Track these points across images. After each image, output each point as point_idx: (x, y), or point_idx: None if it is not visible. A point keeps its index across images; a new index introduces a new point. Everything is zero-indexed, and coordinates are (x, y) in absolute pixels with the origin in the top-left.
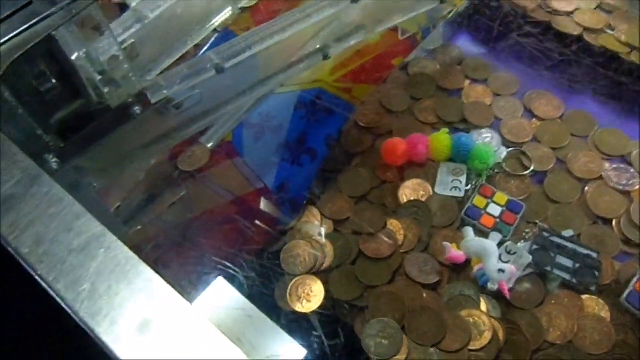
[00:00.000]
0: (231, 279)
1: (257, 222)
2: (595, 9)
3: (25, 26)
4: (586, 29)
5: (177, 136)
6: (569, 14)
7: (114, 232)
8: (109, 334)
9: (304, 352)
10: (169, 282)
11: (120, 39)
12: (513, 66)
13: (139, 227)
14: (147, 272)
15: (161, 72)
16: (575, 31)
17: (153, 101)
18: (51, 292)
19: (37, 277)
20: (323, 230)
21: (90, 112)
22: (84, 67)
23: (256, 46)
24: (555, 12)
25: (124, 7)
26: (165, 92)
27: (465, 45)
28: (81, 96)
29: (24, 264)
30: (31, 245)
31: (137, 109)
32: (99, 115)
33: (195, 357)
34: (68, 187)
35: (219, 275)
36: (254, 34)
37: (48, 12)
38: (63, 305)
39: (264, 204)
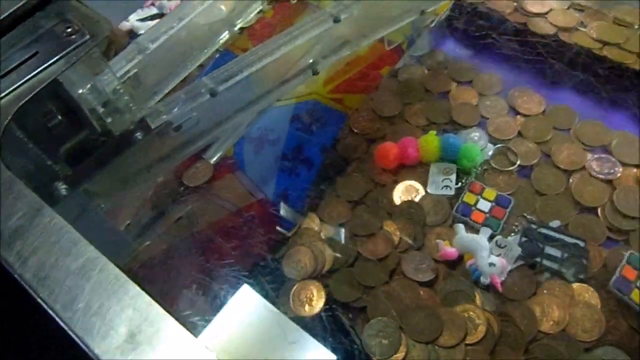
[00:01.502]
0: (236, 287)
1: (259, 230)
2: (567, 8)
3: (32, 74)
4: (560, 28)
5: (178, 156)
6: (543, 15)
7: (123, 248)
8: (101, 347)
9: (333, 357)
10: (171, 293)
11: (123, 70)
12: (496, 67)
13: (148, 243)
14: (134, 289)
15: (165, 95)
16: (551, 31)
17: (153, 127)
18: (50, 312)
19: (39, 300)
20: (342, 232)
21: (95, 140)
22: (88, 102)
23: (247, 69)
24: (531, 14)
25: (133, 35)
26: (164, 117)
27: (450, 50)
28: (85, 127)
29: (27, 289)
30: (34, 271)
31: (138, 135)
32: (103, 142)
33: None
34: (78, 210)
35: (235, 283)
36: (244, 58)
37: (52, 60)
38: (61, 323)
39: (283, 210)
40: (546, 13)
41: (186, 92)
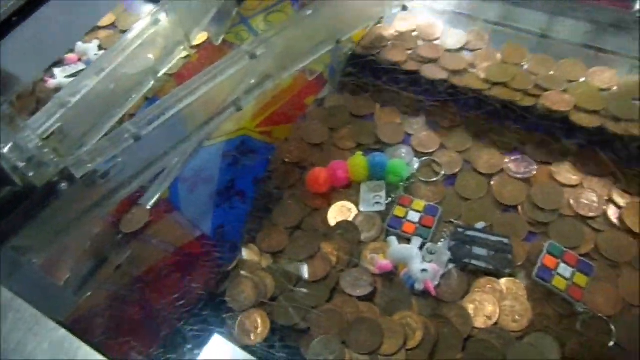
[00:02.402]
0: (183, 327)
1: (200, 267)
2: (458, 50)
3: None
4: (451, 72)
5: (109, 203)
6: (435, 60)
7: (64, 303)
8: None
9: None
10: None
11: (46, 125)
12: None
13: (89, 294)
14: (50, 324)
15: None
16: (443, 76)
17: (78, 176)
18: None
19: None
20: (305, 268)
21: (20, 194)
22: (7, 159)
23: (169, 111)
24: (424, 61)
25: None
26: (89, 166)
27: (371, 75)
28: (7, 184)
29: None
30: None
31: (63, 185)
32: (28, 196)
33: None
34: (9, 268)
35: (181, 323)
36: (165, 100)
37: None
38: None
39: (245, 253)
40: (438, 58)
41: (109, 139)
